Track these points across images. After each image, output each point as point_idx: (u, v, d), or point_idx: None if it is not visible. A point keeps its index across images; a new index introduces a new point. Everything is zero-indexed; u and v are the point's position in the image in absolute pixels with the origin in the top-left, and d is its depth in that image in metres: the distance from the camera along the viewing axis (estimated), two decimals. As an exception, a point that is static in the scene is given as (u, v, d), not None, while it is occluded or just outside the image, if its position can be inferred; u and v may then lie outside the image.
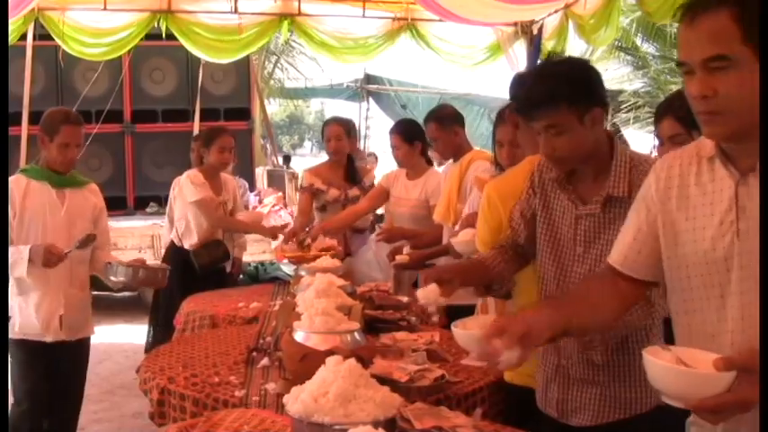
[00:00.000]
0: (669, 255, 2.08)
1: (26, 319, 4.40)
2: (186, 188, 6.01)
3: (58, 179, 4.46)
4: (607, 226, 2.62)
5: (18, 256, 4.20)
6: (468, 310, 3.48)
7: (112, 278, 4.51)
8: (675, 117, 3.19)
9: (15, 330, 4.38)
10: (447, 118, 5.11)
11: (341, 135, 6.10)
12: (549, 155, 2.66)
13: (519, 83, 3.55)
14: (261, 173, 12.20)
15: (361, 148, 17.85)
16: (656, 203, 2.11)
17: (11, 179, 4.35)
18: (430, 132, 5.15)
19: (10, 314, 4.36)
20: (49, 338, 4.43)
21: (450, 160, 5.19)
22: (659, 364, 1.78)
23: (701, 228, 1.97)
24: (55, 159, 4.40)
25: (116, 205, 9.75)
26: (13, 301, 4.39)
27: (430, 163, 5.64)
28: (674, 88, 15.26)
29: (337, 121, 6.38)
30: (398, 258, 4.88)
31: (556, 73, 2.60)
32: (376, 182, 6.22)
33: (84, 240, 4.39)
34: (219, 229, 6.13)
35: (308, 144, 52.81)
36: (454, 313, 3.09)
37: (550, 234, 2.78)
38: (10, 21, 7.92)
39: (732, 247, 1.90)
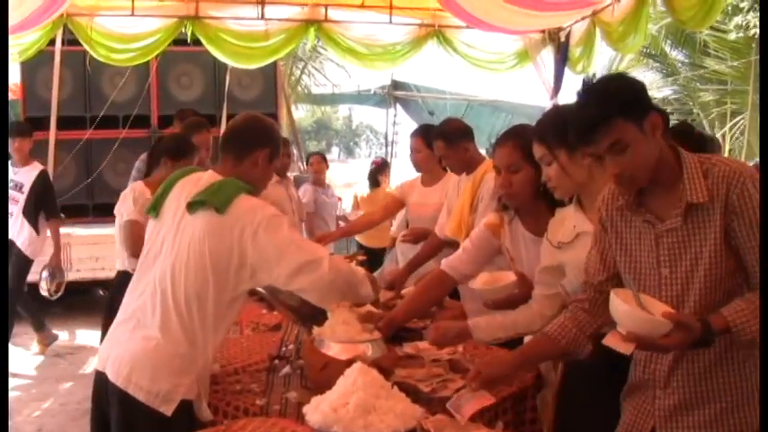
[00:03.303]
0: None
1: None
2: (126, 203, 5.01)
3: None
4: (691, 238, 2.46)
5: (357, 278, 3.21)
6: None
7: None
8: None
9: None
10: (454, 134, 4.97)
11: None
12: (619, 176, 2.48)
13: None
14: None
15: (389, 153, 17.87)
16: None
17: (252, 199, 3.03)
18: (438, 150, 5.06)
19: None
20: None
21: (463, 174, 5.06)
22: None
23: None
24: (262, 182, 3.25)
25: (143, 210, 9.79)
26: None
27: (445, 169, 5.57)
28: (705, 96, 15.20)
29: None
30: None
31: (599, 91, 2.46)
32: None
33: None
34: None
35: (335, 149, 52.96)
36: None
37: (632, 266, 2.62)
38: (39, 26, 8.00)
39: None
